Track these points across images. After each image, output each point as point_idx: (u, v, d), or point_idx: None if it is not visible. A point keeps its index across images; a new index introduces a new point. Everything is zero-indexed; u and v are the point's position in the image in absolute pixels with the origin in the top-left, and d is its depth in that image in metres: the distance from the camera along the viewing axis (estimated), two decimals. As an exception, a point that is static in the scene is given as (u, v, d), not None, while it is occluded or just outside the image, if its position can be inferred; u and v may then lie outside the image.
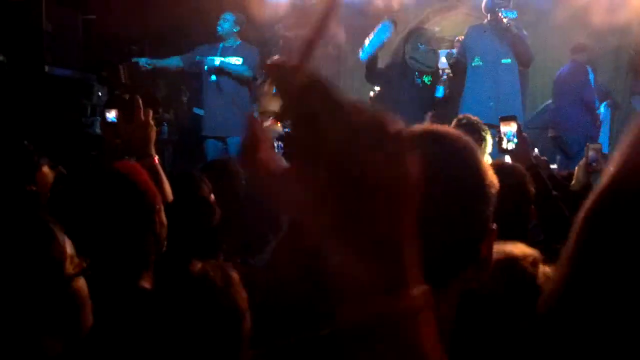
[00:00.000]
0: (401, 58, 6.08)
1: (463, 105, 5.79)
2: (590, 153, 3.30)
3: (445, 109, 5.89)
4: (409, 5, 9.12)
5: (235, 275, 1.33)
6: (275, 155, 0.55)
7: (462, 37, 7.08)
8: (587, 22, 7.16)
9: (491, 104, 5.54)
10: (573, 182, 3.29)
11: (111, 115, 2.68)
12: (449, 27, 9.24)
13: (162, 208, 1.68)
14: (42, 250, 1.27)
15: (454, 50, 6.31)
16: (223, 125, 5.99)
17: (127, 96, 5.41)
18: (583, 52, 7.00)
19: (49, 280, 1.27)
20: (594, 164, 3.29)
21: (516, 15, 5.58)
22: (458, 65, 5.94)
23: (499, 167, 1.10)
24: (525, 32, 5.81)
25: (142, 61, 6.15)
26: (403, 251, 0.53)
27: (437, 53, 5.96)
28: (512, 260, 1.22)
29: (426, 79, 5.85)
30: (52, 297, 1.27)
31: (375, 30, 5.88)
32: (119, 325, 1.39)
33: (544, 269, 1.23)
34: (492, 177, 0.91)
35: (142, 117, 2.55)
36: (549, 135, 6.86)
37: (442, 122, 1.06)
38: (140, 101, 2.57)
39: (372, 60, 5.90)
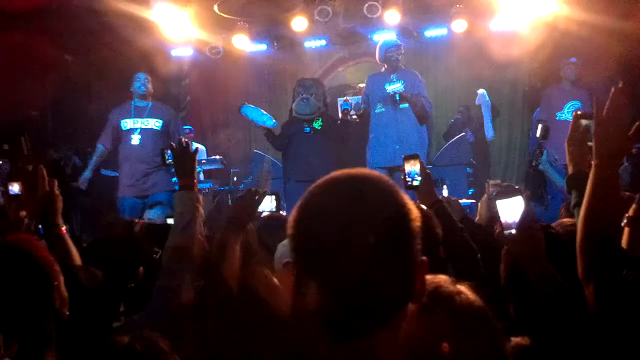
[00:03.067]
0: (289, 113, 6.25)
1: (371, 149, 6.04)
2: (492, 189, 3.43)
3: (346, 150, 6.04)
4: (316, 54, 9.34)
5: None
6: None
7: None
8: (487, 57, 7.48)
9: (396, 147, 5.78)
10: (477, 217, 3.40)
11: (14, 188, 2.60)
12: (356, 74, 9.51)
13: (61, 283, 1.63)
14: None
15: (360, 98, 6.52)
16: (144, 184, 5.81)
17: (30, 167, 5.20)
18: None
19: None
20: None
21: (402, 86, 5.84)
22: (364, 114, 6.15)
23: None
24: (426, 96, 6.07)
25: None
26: None
27: (309, 100, 6.00)
28: (437, 287, 1.27)
29: (316, 125, 5.97)
30: None
31: (264, 114, 6.06)
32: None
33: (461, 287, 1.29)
34: (415, 211, 0.95)
35: (47, 187, 2.49)
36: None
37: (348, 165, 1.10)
38: (44, 171, 2.51)
39: (269, 132, 6.06)
